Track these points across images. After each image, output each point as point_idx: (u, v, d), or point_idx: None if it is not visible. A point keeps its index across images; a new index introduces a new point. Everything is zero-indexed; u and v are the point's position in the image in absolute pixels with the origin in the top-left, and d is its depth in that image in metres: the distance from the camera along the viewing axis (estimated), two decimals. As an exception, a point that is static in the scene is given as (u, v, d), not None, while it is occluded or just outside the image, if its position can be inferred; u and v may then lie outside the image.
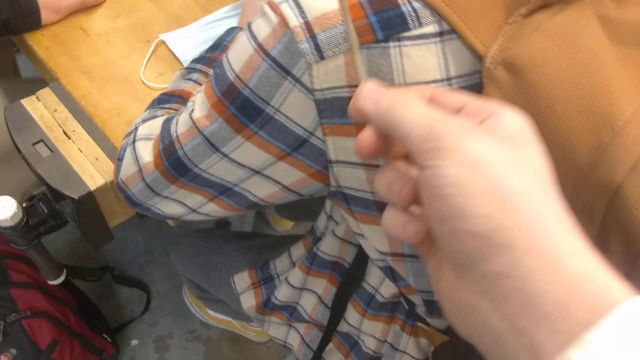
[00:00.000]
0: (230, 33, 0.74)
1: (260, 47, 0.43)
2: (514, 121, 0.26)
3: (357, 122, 0.42)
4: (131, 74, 0.79)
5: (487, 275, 0.23)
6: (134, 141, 0.58)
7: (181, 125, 0.51)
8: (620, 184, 0.33)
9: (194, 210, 0.58)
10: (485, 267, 0.23)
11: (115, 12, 0.86)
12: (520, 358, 0.22)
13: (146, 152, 0.56)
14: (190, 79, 0.68)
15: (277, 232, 1.53)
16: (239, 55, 0.45)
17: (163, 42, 0.82)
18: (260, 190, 0.53)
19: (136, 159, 0.57)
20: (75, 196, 0.69)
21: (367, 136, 0.28)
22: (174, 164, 0.53)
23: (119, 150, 0.61)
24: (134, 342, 1.33)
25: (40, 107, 0.75)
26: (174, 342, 1.34)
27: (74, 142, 0.73)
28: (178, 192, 0.56)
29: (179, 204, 0.58)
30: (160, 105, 0.65)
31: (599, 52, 0.35)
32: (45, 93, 0.76)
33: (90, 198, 0.71)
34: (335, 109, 0.43)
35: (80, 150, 0.73)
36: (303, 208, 1.30)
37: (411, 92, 0.28)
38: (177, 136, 0.52)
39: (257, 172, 0.50)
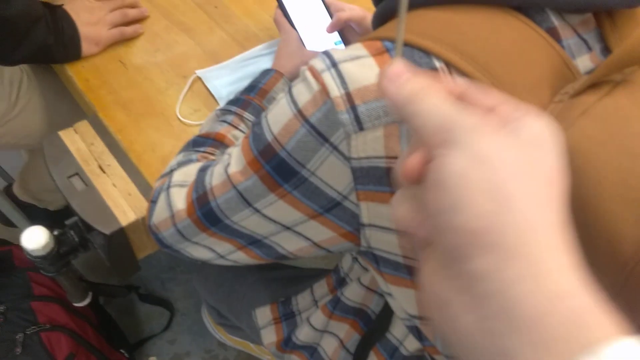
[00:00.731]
0: (265, 75, 0.75)
1: (300, 112, 0.43)
2: (539, 125, 0.25)
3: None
4: (167, 109, 0.80)
5: (468, 273, 0.23)
6: (168, 187, 0.59)
7: (216, 178, 0.52)
8: None
9: (222, 257, 0.59)
10: (468, 265, 0.23)
11: (154, 46, 0.87)
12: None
13: (180, 200, 0.56)
14: (225, 121, 0.69)
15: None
16: (278, 117, 0.45)
17: (199, 78, 0.83)
18: (290, 245, 0.53)
19: (169, 204, 0.58)
20: (107, 232, 0.71)
21: (413, 162, 0.26)
22: (207, 214, 0.53)
23: (153, 192, 0.62)
24: (152, 359, 1.34)
25: (78, 139, 0.77)
26: (191, 360, 1.35)
27: (108, 176, 0.74)
28: (208, 239, 0.56)
29: (208, 250, 0.58)
30: (195, 148, 0.65)
31: None
32: (83, 126, 0.78)
33: (121, 233, 0.72)
34: (372, 177, 0.43)
35: (114, 185, 0.74)
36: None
37: (437, 86, 0.27)
38: (211, 188, 0.52)
39: (288, 228, 0.51)
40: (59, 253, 0.78)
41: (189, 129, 0.79)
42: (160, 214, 0.59)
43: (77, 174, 0.74)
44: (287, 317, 0.80)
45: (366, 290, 0.69)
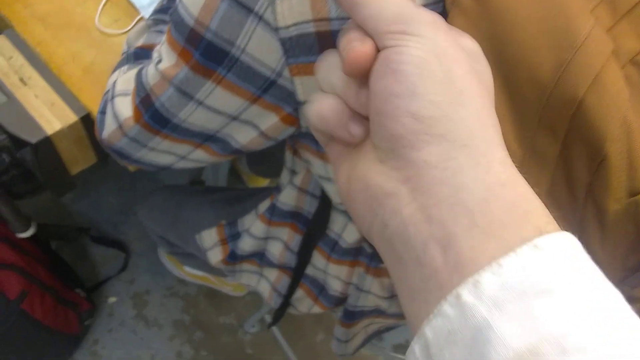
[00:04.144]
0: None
1: None
2: (472, 41, 0.26)
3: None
4: (87, 21, 0.78)
5: (415, 162, 0.23)
6: (112, 97, 0.58)
7: (152, 78, 0.51)
8: (583, 96, 0.34)
9: (183, 158, 0.58)
10: (416, 154, 0.23)
11: (69, -42, 0.85)
12: (428, 248, 0.22)
13: (125, 108, 0.55)
14: (161, 31, 0.67)
15: (251, 190, 1.54)
16: None
17: (118, -12, 0.82)
18: (241, 136, 0.53)
19: (115, 115, 0.56)
20: (33, 140, 0.70)
21: (363, 47, 0.24)
22: (153, 116, 0.53)
23: (100, 103, 0.60)
24: (112, 299, 1.35)
25: (-5, 54, 0.75)
26: (152, 298, 1.36)
27: (30, 88, 0.73)
28: (163, 142, 0.56)
29: (168, 154, 0.58)
30: (139, 61, 0.64)
31: None
32: (1, 40, 0.76)
33: (48, 143, 0.71)
34: (302, 47, 0.43)
35: (36, 96, 0.73)
36: (275, 164, 1.31)
37: None
38: (150, 88, 0.51)
39: (234, 118, 0.50)
40: (-10, 174, 0.77)
41: (110, 39, 0.77)
42: (109, 125, 0.58)
43: (-3, 87, 0.73)
44: (234, 238, 0.81)
45: (298, 192, 0.69)
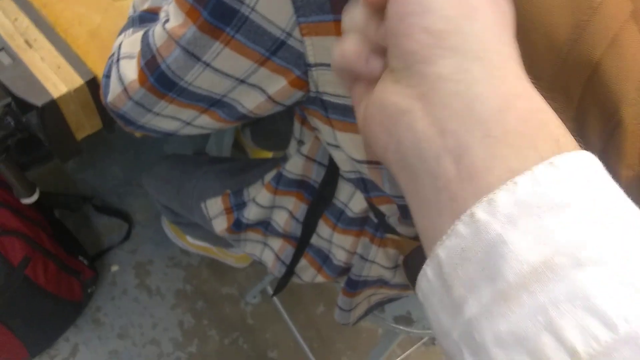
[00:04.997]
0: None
1: None
2: None
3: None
4: (93, -17, 0.77)
5: (429, 76, 0.22)
6: (117, 59, 0.57)
7: (158, 38, 0.50)
8: (599, 59, 0.33)
9: (188, 124, 0.58)
10: (430, 68, 0.22)
11: None
12: (441, 161, 0.21)
13: (130, 70, 0.54)
14: None
15: (255, 163, 1.54)
16: None
17: (125, -49, 0.80)
18: (248, 101, 0.52)
19: (120, 78, 0.56)
20: (39, 103, 0.69)
21: None
22: (159, 78, 0.52)
23: (105, 66, 0.59)
24: (114, 267, 1.35)
25: (0, 15, 0.74)
26: (154, 268, 1.37)
27: (35, 50, 0.72)
28: (169, 107, 0.55)
29: (172, 119, 0.57)
30: (144, 24, 0.62)
31: None
32: (5, 2, 0.75)
33: (54, 106, 0.71)
34: (313, 5, 0.42)
35: (42, 59, 0.72)
36: (279, 137, 1.31)
37: None
38: (157, 49, 0.50)
39: (241, 81, 0.50)
40: (-5, 137, 0.77)
41: (117, 2, 0.76)
42: (114, 89, 0.57)
43: (2, 49, 0.72)
44: (239, 208, 0.81)
45: (305, 160, 0.69)
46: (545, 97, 0.39)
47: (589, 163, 0.20)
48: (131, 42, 0.57)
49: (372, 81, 0.26)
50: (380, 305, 0.88)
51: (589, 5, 0.34)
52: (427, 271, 0.21)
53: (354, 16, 0.27)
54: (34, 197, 0.94)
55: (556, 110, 0.39)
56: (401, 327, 0.91)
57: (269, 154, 1.55)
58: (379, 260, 0.73)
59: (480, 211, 0.19)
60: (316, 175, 0.70)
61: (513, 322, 0.18)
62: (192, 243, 1.34)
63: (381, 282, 0.77)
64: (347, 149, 0.56)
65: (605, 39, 0.34)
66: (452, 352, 0.20)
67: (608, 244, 0.18)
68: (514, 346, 0.18)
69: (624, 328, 0.17)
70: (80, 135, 0.79)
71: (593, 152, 0.38)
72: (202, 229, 0.99)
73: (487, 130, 0.21)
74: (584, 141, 0.38)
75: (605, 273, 0.17)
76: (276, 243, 0.80)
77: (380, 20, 0.25)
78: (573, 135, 0.39)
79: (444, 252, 0.20)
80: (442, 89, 0.22)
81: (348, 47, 0.27)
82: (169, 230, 1.37)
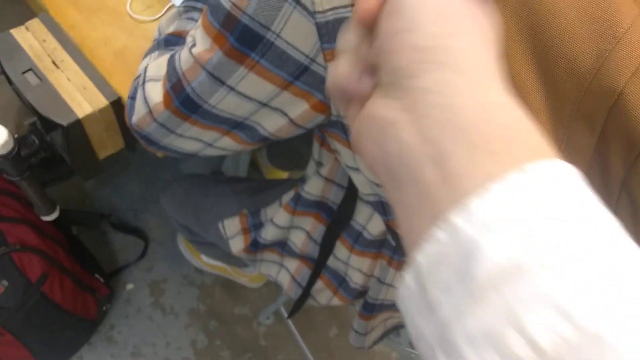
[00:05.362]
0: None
1: None
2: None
3: None
4: (119, 5, 0.79)
5: (415, 90, 0.23)
6: (144, 82, 0.58)
7: (185, 63, 0.51)
8: (623, 88, 0.34)
9: (210, 145, 0.59)
10: (416, 82, 0.23)
11: (103, -55, 0.86)
12: (423, 167, 0.22)
13: (156, 93, 0.56)
14: (192, 19, 0.68)
15: (270, 183, 1.55)
16: None
17: (151, -25, 0.83)
18: (270, 124, 0.53)
19: (146, 100, 0.57)
20: (64, 123, 0.71)
21: (369, 1, 0.26)
22: (184, 102, 0.53)
23: (130, 88, 0.61)
24: (130, 286, 1.36)
25: (30, 37, 0.76)
26: (169, 286, 1.37)
27: (62, 71, 0.74)
28: (192, 129, 0.56)
29: (195, 141, 0.58)
30: (169, 47, 0.64)
31: None
32: (35, 23, 0.77)
33: (78, 126, 0.72)
34: (338, 32, 0.43)
35: (68, 79, 0.74)
36: (296, 157, 1.32)
37: None
38: (182, 73, 0.52)
39: (264, 105, 0.51)
40: (20, 155, 0.78)
41: (142, 25, 0.78)
42: (139, 110, 0.58)
43: (31, 69, 0.74)
44: (257, 228, 0.82)
45: (325, 182, 0.70)
46: (569, 124, 0.39)
47: (563, 171, 0.21)
48: (157, 65, 0.58)
49: (364, 100, 0.27)
50: (396, 329, 0.87)
51: (612, 34, 0.34)
52: (406, 277, 0.22)
53: (348, 38, 0.28)
54: (55, 215, 0.96)
55: (578, 138, 0.39)
56: (417, 352, 0.90)
57: (284, 174, 1.55)
58: (396, 284, 0.73)
59: (456, 217, 0.20)
60: (335, 196, 0.71)
61: (482, 321, 0.19)
62: (207, 262, 1.34)
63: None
64: (367, 171, 0.56)
65: (629, 68, 0.34)
66: (427, 355, 0.21)
67: (576, 245, 0.19)
68: (483, 344, 0.18)
69: (586, 323, 0.17)
70: (102, 154, 0.80)
71: (616, 178, 0.38)
72: (218, 249, 0.99)
73: (468, 137, 0.22)
74: (607, 170, 0.38)
75: (571, 272, 0.18)
76: (292, 264, 0.80)
77: (371, 40, 0.27)
78: (595, 163, 0.39)
79: (422, 257, 0.21)
80: (426, 100, 0.23)
81: (341, 68, 0.28)
82: (185, 248, 1.37)
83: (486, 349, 0.18)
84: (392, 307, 0.77)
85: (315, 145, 0.68)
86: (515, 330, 0.18)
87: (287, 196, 0.77)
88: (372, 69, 0.27)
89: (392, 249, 0.70)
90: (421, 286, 0.21)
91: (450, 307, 0.20)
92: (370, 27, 0.26)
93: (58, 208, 0.95)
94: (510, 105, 0.23)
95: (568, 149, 0.39)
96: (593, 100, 0.36)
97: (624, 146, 0.36)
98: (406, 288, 0.22)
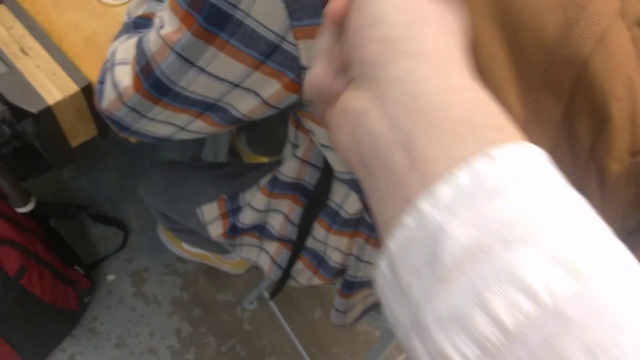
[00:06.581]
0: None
1: None
2: None
3: None
4: (87, -9, 0.78)
5: (383, 79, 0.24)
6: (112, 65, 0.57)
7: (153, 44, 0.50)
8: (588, 56, 0.34)
9: (182, 128, 0.58)
10: (384, 72, 0.24)
11: None
12: (392, 153, 0.23)
13: (125, 76, 0.55)
14: (161, 1, 0.67)
15: (250, 170, 1.55)
16: None
17: (119, -41, 0.81)
18: (242, 105, 0.53)
19: (115, 84, 0.56)
20: (35, 110, 0.70)
21: (338, 1, 0.28)
22: (154, 84, 0.52)
23: (100, 73, 0.60)
24: (111, 277, 1.35)
25: (-5, 24, 0.75)
26: (151, 276, 1.37)
27: (31, 58, 0.73)
28: (163, 112, 0.55)
29: (167, 124, 0.58)
30: (138, 30, 0.63)
31: None
32: (1, 10, 0.75)
33: (49, 113, 0.71)
34: (306, 9, 0.43)
35: (37, 66, 0.72)
36: (275, 142, 1.31)
37: None
38: (152, 55, 0.51)
39: (236, 86, 0.50)
40: (-10, 145, 0.77)
41: (112, 9, 0.77)
42: (108, 95, 0.58)
43: (-3, 57, 0.72)
44: (235, 212, 0.82)
45: (300, 162, 0.70)
46: (536, 95, 0.40)
47: (527, 152, 0.22)
48: (126, 48, 0.57)
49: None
50: (377, 306, 0.88)
51: (578, 3, 0.35)
52: (381, 264, 0.23)
53: (322, 41, 0.29)
54: (30, 206, 0.94)
55: (546, 108, 0.39)
56: (398, 329, 0.91)
57: (264, 160, 1.55)
58: (374, 261, 0.74)
59: (423, 203, 0.21)
60: (310, 177, 0.71)
61: (449, 302, 0.19)
62: (188, 250, 1.34)
63: (377, 283, 0.78)
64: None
65: (593, 36, 0.35)
66: (405, 340, 0.21)
67: (538, 224, 0.19)
68: (452, 325, 0.19)
69: (546, 299, 0.18)
70: (75, 141, 0.79)
71: (583, 148, 0.39)
72: (198, 236, 0.99)
73: (432, 122, 0.22)
74: (574, 140, 0.39)
75: (532, 250, 0.19)
76: (272, 247, 0.80)
77: (343, 40, 0.28)
78: (563, 134, 0.39)
79: (394, 244, 0.22)
80: (394, 88, 0.24)
81: (316, 70, 0.29)
82: (165, 237, 1.37)
83: (455, 330, 0.19)
84: (372, 284, 0.78)
85: (291, 128, 0.68)
86: (480, 310, 0.18)
87: (265, 179, 0.77)
88: (346, 67, 0.28)
89: (369, 227, 0.70)
90: (394, 272, 0.22)
91: (420, 290, 0.20)
92: (341, 27, 0.27)
93: (33, 200, 0.94)
94: (473, 88, 0.24)
95: (536, 120, 0.40)
96: (560, 70, 0.37)
97: (590, 115, 0.37)
98: (381, 275, 0.23)
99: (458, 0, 0.28)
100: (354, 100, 0.26)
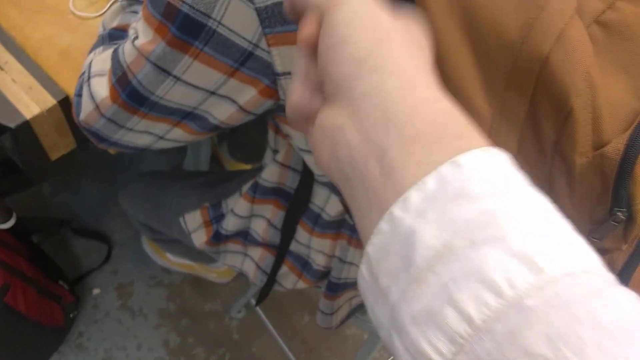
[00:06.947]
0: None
1: None
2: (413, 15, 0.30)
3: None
4: (60, 4, 0.78)
5: (355, 96, 0.26)
6: (89, 78, 0.57)
7: (129, 55, 0.51)
8: (548, 54, 0.36)
9: (161, 137, 0.59)
10: (355, 89, 0.26)
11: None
12: (368, 164, 0.24)
13: (102, 88, 0.55)
14: (135, 12, 0.67)
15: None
16: None
17: (92, -28, 0.81)
18: (219, 112, 0.53)
19: (92, 96, 0.56)
20: (12, 125, 0.70)
21: (309, 27, 0.29)
22: (131, 95, 0.53)
23: (76, 85, 0.60)
24: (96, 290, 1.34)
25: (-31, 40, 0.74)
26: (136, 288, 1.36)
27: (6, 72, 0.73)
28: (141, 122, 0.56)
29: (146, 134, 0.58)
30: (114, 42, 0.63)
31: None
32: (-27, 26, 0.75)
33: (27, 127, 0.71)
34: (278, 16, 0.44)
35: (13, 81, 0.72)
36: (257, 150, 1.32)
37: None
38: (127, 66, 0.51)
39: (212, 93, 0.51)
40: (-32, 162, 0.77)
41: (87, 22, 0.77)
42: (86, 107, 0.58)
43: (-28, 73, 0.72)
44: (218, 220, 0.82)
45: (280, 167, 0.70)
46: (501, 94, 0.41)
47: (491, 156, 0.23)
48: (102, 59, 0.57)
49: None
50: (362, 307, 0.89)
51: (536, 3, 0.36)
52: (362, 269, 0.24)
53: (298, 63, 0.30)
54: (11, 223, 0.94)
55: (511, 106, 0.40)
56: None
57: (247, 167, 1.55)
58: (357, 262, 0.75)
59: (396, 209, 0.22)
60: (291, 181, 0.71)
61: (423, 302, 0.20)
62: (173, 261, 1.34)
63: (361, 284, 0.78)
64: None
65: (552, 34, 0.36)
66: (387, 340, 0.23)
67: (501, 223, 0.20)
68: (426, 322, 0.20)
69: (509, 293, 0.19)
70: (54, 155, 0.79)
71: (549, 143, 0.40)
72: (182, 245, 0.98)
73: (402, 133, 0.24)
74: (539, 136, 0.40)
75: (495, 248, 0.20)
76: (256, 252, 0.81)
77: (317, 60, 0.29)
78: (529, 131, 0.41)
79: (372, 249, 0.23)
80: (366, 103, 0.25)
81: (294, 91, 0.30)
82: (149, 248, 1.36)
83: (429, 328, 0.20)
84: (356, 285, 0.78)
85: (271, 134, 0.69)
86: (451, 307, 0.19)
87: (247, 186, 0.78)
88: (321, 86, 0.29)
89: (351, 228, 0.71)
90: (373, 276, 0.23)
91: (397, 291, 0.22)
92: (314, 50, 0.29)
93: (15, 215, 0.93)
94: (439, 98, 0.25)
95: (503, 118, 0.41)
96: (522, 69, 0.38)
97: (553, 110, 0.38)
98: (362, 279, 0.24)
99: (422, 14, 0.30)
100: (331, 117, 0.27)
